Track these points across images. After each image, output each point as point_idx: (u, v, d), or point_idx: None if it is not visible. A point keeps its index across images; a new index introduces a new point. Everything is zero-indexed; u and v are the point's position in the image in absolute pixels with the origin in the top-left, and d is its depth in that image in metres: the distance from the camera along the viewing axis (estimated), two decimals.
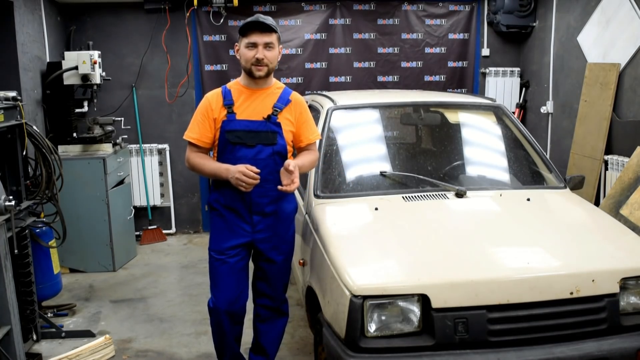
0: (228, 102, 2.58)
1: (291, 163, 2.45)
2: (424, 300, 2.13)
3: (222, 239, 2.66)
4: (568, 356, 2.10)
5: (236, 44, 2.64)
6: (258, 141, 2.56)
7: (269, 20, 2.54)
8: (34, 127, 3.34)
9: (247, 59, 2.54)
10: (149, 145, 5.65)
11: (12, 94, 3.20)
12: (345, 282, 2.18)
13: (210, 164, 2.61)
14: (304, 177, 3.20)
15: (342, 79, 5.82)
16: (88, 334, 3.57)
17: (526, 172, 3.24)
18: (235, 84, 2.66)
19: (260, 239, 2.66)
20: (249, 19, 2.53)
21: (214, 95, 2.63)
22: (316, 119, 3.43)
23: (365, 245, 2.46)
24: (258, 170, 2.46)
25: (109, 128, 5.00)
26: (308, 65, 5.76)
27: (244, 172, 2.44)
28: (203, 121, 2.60)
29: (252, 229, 2.64)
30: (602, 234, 2.61)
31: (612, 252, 2.39)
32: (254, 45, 2.52)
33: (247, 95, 2.60)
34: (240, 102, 2.59)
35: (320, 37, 5.73)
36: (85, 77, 4.61)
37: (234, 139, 2.56)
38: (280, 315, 2.87)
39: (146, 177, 5.65)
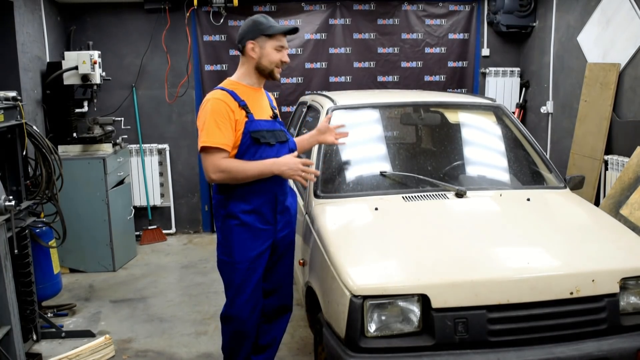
0: (242, 102, 2.51)
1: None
2: (424, 300, 2.13)
3: (248, 248, 2.58)
4: (568, 356, 2.10)
5: (251, 41, 2.52)
6: (276, 140, 2.56)
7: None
8: (34, 127, 3.34)
9: (273, 61, 2.53)
10: (149, 145, 5.65)
11: (12, 94, 3.20)
12: (345, 282, 2.18)
13: (254, 164, 2.46)
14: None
15: (342, 79, 5.82)
16: (88, 334, 3.57)
17: (526, 172, 3.24)
18: (236, 84, 2.58)
19: (280, 237, 2.67)
20: (285, 25, 2.61)
21: (226, 97, 2.49)
22: (316, 118, 3.44)
23: (365, 245, 2.46)
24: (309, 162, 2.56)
25: (109, 128, 5.00)
26: (308, 65, 5.76)
27: (305, 162, 2.48)
28: (225, 124, 2.43)
29: (274, 229, 2.63)
30: (602, 234, 2.61)
31: (612, 252, 2.39)
32: (282, 48, 2.55)
33: (252, 95, 2.58)
34: (249, 102, 2.54)
35: (320, 37, 5.74)
36: (85, 77, 4.61)
37: (262, 139, 2.50)
38: (287, 310, 2.88)
39: (146, 177, 5.65)
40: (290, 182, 2.84)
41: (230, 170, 2.43)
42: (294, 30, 2.60)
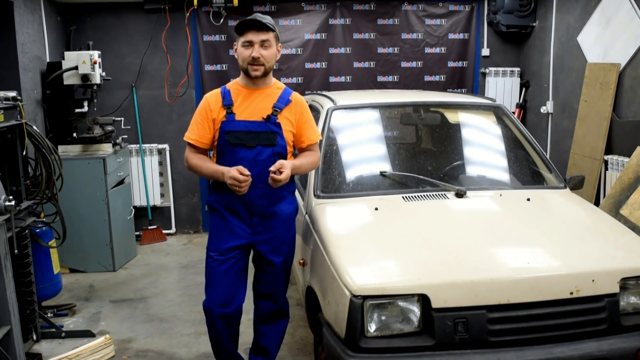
0: (227, 102, 2.57)
1: (285, 164, 2.44)
2: (424, 300, 2.13)
3: (221, 239, 2.63)
4: (568, 356, 2.11)
5: (234, 43, 2.62)
6: (258, 142, 2.55)
7: (266, 19, 2.52)
8: (34, 127, 3.34)
9: (244, 58, 2.53)
10: (149, 145, 5.65)
11: (12, 94, 3.20)
12: (345, 282, 2.18)
13: (208, 166, 2.59)
14: (304, 177, 3.20)
15: (342, 79, 5.82)
16: (88, 334, 3.57)
17: (526, 172, 3.24)
18: (235, 84, 2.65)
19: (259, 241, 2.64)
20: (245, 18, 2.52)
21: (212, 96, 2.62)
22: (316, 119, 3.43)
23: (365, 245, 2.46)
24: (248, 173, 2.43)
25: (109, 128, 5.00)
26: (308, 65, 5.76)
27: (234, 177, 2.41)
28: (202, 122, 2.59)
29: (252, 230, 2.63)
30: (602, 234, 2.61)
31: (612, 252, 2.39)
32: (250, 44, 2.51)
33: (246, 96, 2.59)
34: (239, 102, 2.57)
35: (320, 37, 5.73)
36: (85, 77, 4.61)
37: (234, 140, 2.54)
38: (283, 316, 2.86)
39: (146, 177, 5.65)
40: (296, 192, 2.82)
41: (191, 165, 2.63)
42: (250, 22, 2.48)
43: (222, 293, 2.64)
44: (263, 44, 2.51)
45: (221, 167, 2.53)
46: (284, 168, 2.43)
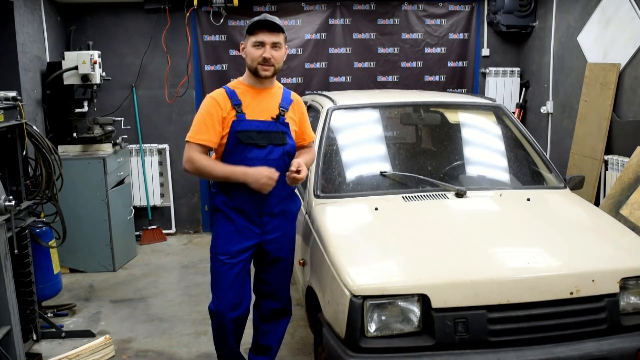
0: (236, 101, 2.53)
1: (301, 162, 2.48)
2: (424, 300, 2.13)
3: (230, 242, 2.61)
4: (568, 356, 2.11)
5: (242, 42, 2.60)
6: (269, 141, 2.54)
7: (276, 20, 2.53)
8: (34, 127, 3.34)
9: (254, 58, 2.51)
10: (149, 145, 5.65)
11: (12, 94, 3.20)
12: (345, 282, 2.18)
13: (222, 167, 2.51)
14: None
15: (342, 79, 5.82)
16: (88, 334, 3.57)
17: (526, 172, 3.24)
18: (239, 84, 2.62)
19: (268, 240, 2.64)
20: (257, 18, 2.52)
21: (219, 95, 2.56)
22: (316, 118, 3.44)
23: (365, 245, 2.46)
24: (278, 173, 2.46)
25: (109, 128, 5.00)
26: (308, 65, 5.76)
27: (272, 177, 2.44)
28: (212, 121, 2.50)
29: (261, 230, 2.62)
30: (602, 234, 2.61)
31: (612, 252, 2.39)
32: (261, 44, 2.50)
33: (253, 95, 2.58)
34: (247, 102, 2.55)
35: (320, 37, 5.74)
36: (85, 77, 4.61)
37: (247, 140, 2.51)
38: (286, 314, 2.87)
39: (146, 177, 5.65)
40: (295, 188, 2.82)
41: (200, 167, 2.51)
42: (263, 22, 2.50)
43: (234, 296, 2.63)
44: (274, 45, 2.51)
45: (237, 167, 2.48)
46: (302, 167, 2.46)
